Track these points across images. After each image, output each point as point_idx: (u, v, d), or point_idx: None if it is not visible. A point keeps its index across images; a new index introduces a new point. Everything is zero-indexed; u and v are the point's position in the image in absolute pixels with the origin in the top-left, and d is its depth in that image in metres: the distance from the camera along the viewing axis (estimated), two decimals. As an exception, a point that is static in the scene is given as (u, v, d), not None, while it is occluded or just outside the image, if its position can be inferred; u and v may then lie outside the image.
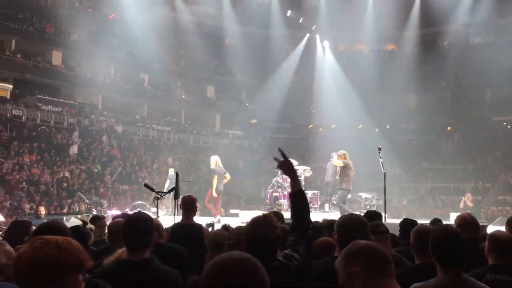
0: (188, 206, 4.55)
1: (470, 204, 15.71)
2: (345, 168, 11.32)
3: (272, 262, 2.44)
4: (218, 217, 10.99)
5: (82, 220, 5.49)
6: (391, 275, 1.88)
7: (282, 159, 2.90)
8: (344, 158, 11.48)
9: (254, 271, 1.42)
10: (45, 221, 4.09)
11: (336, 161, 11.81)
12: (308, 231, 2.79)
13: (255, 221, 2.55)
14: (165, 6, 30.33)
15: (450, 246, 2.54)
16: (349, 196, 11.64)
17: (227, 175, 11.69)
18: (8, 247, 2.56)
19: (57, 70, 25.92)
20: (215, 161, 11.54)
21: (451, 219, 13.80)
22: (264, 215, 2.62)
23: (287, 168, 2.87)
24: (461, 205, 15.99)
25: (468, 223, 3.75)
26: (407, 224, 4.33)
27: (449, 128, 29.89)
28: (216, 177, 11.22)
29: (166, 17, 30.08)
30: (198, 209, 4.74)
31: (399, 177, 26.86)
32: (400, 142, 29.59)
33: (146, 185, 6.42)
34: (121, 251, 2.84)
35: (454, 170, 26.09)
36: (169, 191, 7.15)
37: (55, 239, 1.58)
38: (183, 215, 4.66)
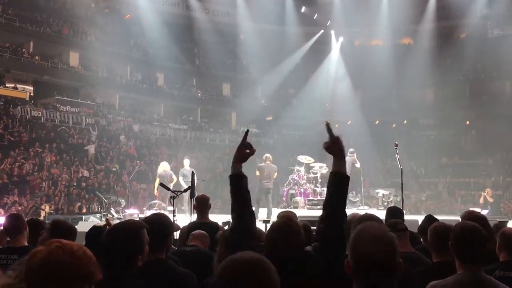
0: (203, 205, 4.57)
1: (490, 200, 15.44)
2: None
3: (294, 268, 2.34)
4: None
5: (106, 220, 5.52)
6: None
7: (332, 136, 2.48)
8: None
9: (265, 273, 1.40)
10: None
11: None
12: (340, 223, 2.41)
13: (277, 227, 2.43)
14: (180, 5, 30.50)
15: (472, 244, 2.50)
16: None
17: (174, 178, 12.57)
18: None
19: (75, 71, 26.25)
20: (163, 166, 12.93)
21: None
22: (285, 220, 2.47)
23: (338, 149, 2.46)
24: (481, 200, 15.73)
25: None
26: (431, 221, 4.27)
27: (468, 122, 29.43)
28: (158, 179, 12.47)
29: (180, 16, 30.28)
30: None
31: (417, 173, 26.59)
32: (418, 137, 29.31)
33: (162, 185, 6.46)
34: None
35: (474, 165, 25.70)
36: (185, 190, 7.17)
37: (70, 245, 1.57)
38: (198, 215, 4.68)
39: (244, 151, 2.55)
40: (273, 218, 10.65)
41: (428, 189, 25.14)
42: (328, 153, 2.49)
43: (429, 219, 4.12)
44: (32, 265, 1.53)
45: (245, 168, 2.59)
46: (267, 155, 11.91)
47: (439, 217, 4.23)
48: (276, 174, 11.96)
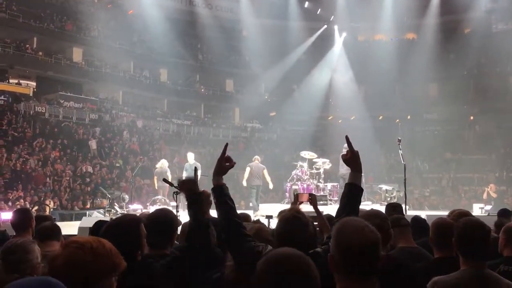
0: (204, 201, 4.55)
1: (494, 195, 15.46)
2: None
3: None
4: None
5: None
6: None
7: (351, 149, 2.63)
8: None
9: (308, 266, 1.46)
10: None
11: None
12: None
13: (286, 220, 2.47)
14: (183, 1, 30.50)
15: (476, 240, 2.50)
16: None
17: (169, 175, 12.91)
18: (37, 246, 2.64)
19: (78, 66, 26.28)
20: (161, 164, 13.44)
21: (474, 210, 13.65)
22: (294, 213, 2.52)
23: (356, 162, 2.62)
24: (485, 195, 15.75)
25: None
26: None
27: (472, 117, 29.34)
28: (156, 177, 12.97)
29: (184, 11, 30.26)
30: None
31: (421, 168, 26.56)
32: (422, 132, 29.25)
33: (165, 180, 6.45)
34: None
35: (477, 160, 25.64)
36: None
37: (89, 243, 1.59)
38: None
39: (224, 164, 2.72)
40: (259, 213, 11.06)
41: (432, 184, 25.11)
42: (346, 165, 2.67)
43: (504, 213, 4.05)
44: (56, 270, 1.54)
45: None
46: (256, 156, 13.42)
47: (442, 213, 4.24)
48: (265, 171, 12.92)
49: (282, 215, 2.54)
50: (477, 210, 13.25)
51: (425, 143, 26.63)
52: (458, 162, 26.14)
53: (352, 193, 2.60)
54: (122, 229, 2.41)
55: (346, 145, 2.72)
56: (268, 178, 13.08)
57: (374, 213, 3.16)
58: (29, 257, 2.53)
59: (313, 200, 4.27)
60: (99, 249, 1.59)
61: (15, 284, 1.42)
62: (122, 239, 2.21)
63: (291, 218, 2.46)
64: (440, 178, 25.64)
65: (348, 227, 1.73)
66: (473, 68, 29.32)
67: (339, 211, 2.62)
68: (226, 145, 2.81)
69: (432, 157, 27.23)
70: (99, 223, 3.53)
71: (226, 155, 2.75)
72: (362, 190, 2.67)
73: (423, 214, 8.94)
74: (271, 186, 13.44)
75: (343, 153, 2.72)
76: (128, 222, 2.52)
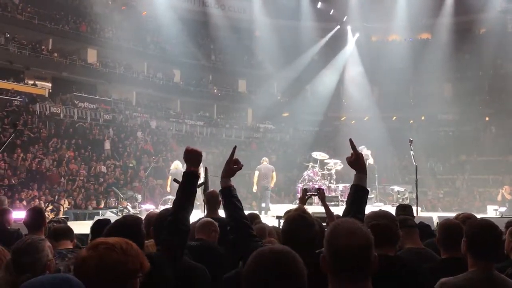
0: (212, 201, 4.59)
1: (508, 197, 15.25)
2: None
3: (309, 259, 2.42)
4: None
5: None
6: None
7: (355, 152, 2.72)
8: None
9: (293, 264, 1.46)
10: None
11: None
12: None
13: (291, 219, 2.50)
14: (196, 2, 30.66)
15: (489, 241, 2.49)
16: None
17: None
18: (49, 243, 2.69)
19: (93, 67, 26.57)
20: (175, 165, 13.01)
21: (488, 212, 13.49)
22: (300, 213, 2.54)
23: (360, 164, 2.71)
24: (499, 197, 15.56)
25: None
26: None
27: (487, 118, 29.00)
28: (170, 177, 12.76)
29: (196, 12, 30.43)
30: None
31: (435, 169, 26.31)
32: (436, 133, 28.98)
33: (175, 180, 6.49)
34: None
35: (493, 162, 25.29)
36: (198, 186, 7.14)
37: (119, 243, 1.62)
38: (207, 210, 4.71)
39: (232, 166, 2.76)
40: (269, 214, 11.13)
41: (446, 186, 24.86)
42: (351, 167, 2.75)
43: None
44: (88, 271, 1.56)
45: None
46: (264, 157, 13.72)
47: (455, 215, 4.19)
48: (274, 173, 13.01)
49: (288, 214, 2.56)
50: (491, 211, 13.10)
51: (439, 144, 26.37)
52: (473, 164, 25.83)
53: (358, 194, 2.67)
54: (126, 229, 2.44)
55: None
56: (273, 180, 13.11)
57: (382, 214, 3.15)
58: (39, 256, 2.57)
59: (321, 194, 4.33)
60: (129, 250, 1.62)
61: (36, 281, 1.45)
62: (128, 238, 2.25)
63: (296, 218, 2.48)
64: (454, 180, 25.37)
65: (340, 229, 1.73)
66: (489, 68, 28.96)
67: (345, 212, 2.68)
68: (235, 148, 2.85)
69: (447, 158, 26.96)
70: (100, 222, 3.60)
71: (234, 157, 2.79)
72: (367, 191, 2.72)
73: (435, 215, 8.89)
74: (271, 185, 13.39)
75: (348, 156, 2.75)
76: (130, 223, 2.56)
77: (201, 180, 7.30)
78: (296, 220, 2.47)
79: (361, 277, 1.68)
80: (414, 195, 10.89)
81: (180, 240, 2.57)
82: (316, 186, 12.59)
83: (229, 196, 2.71)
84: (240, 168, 2.79)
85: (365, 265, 1.67)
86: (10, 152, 17.36)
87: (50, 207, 13.84)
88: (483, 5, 27.10)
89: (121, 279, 1.57)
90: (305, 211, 2.58)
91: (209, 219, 3.92)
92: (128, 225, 2.53)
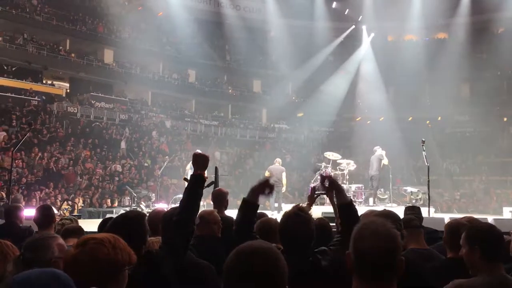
0: (219, 200, 4.60)
1: (526, 199, 14.98)
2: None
3: (305, 257, 2.47)
4: None
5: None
6: None
7: (323, 187, 2.83)
8: None
9: (273, 261, 1.46)
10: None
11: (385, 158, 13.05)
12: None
13: (287, 217, 2.54)
14: (211, 2, 30.79)
15: (498, 242, 2.49)
16: None
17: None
18: (61, 240, 2.74)
19: (109, 68, 26.89)
20: (190, 164, 12.97)
21: (504, 213, 13.28)
22: (295, 210, 2.58)
23: (333, 188, 2.80)
24: (516, 199, 15.28)
25: None
26: None
27: (505, 119, 28.56)
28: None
29: (211, 12, 30.56)
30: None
31: (451, 171, 26.01)
32: (453, 134, 28.66)
33: (186, 179, 6.54)
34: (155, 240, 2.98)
35: (510, 163, 24.92)
36: (208, 185, 7.19)
37: (107, 238, 1.68)
38: (214, 208, 4.74)
39: (265, 187, 2.78)
40: (282, 214, 11.08)
41: (463, 187, 24.53)
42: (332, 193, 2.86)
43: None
44: (80, 267, 1.61)
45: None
46: (277, 158, 13.77)
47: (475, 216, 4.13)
48: (284, 174, 13.03)
49: (285, 211, 2.60)
50: (507, 213, 12.89)
51: (456, 145, 26.03)
52: (490, 165, 25.46)
53: (346, 211, 2.69)
54: (128, 224, 2.48)
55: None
56: (284, 181, 13.06)
57: (386, 214, 3.16)
58: (44, 253, 2.62)
59: (329, 179, 4.10)
60: (117, 243, 1.68)
61: (23, 275, 1.49)
62: (128, 235, 2.25)
63: (292, 215, 2.52)
64: (471, 181, 25.04)
65: (366, 230, 1.68)
66: (507, 68, 28.52)
67: (341, 226, 2.74)
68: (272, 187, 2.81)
69: (464, 159, 26.63)
70: (106, 220, 3.66)
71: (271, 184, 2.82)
72: (351, 203, 2.72)
73: (447, 217, 8.79)
74: (283, 189, 13.36)
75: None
76: (132, 218, 2.59)
77: (212, 179, 7.38)
78: (291, 217, 2.51)
79: (385, 280, 1.63)
80: (427, 196, 10.77)
81: (183, 240, 2.59)
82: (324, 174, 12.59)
83: (250, 213, 2.77)
84: (271, 192, 2.83)
85: (389, 268, 1.63)
86: (28, 151, 17.66)
87: (65, 205, 14.03)
88: (500, 4, 26.64)
89: (113, 272, 1.62)
90: (301, 209, 2.60)
91: (207, 210, 3.93)
92: (129, 220, 2.56)
